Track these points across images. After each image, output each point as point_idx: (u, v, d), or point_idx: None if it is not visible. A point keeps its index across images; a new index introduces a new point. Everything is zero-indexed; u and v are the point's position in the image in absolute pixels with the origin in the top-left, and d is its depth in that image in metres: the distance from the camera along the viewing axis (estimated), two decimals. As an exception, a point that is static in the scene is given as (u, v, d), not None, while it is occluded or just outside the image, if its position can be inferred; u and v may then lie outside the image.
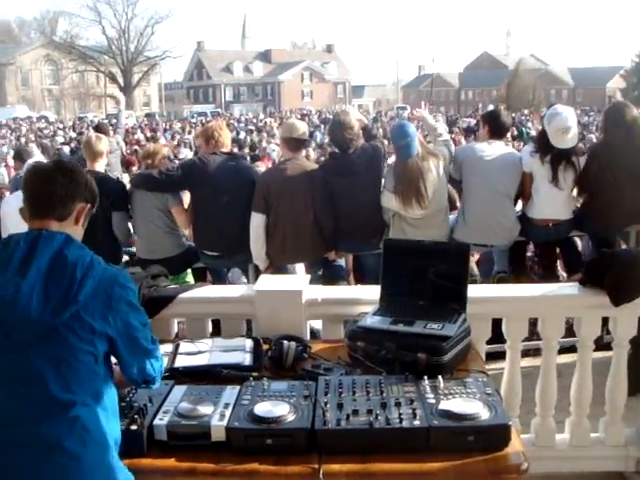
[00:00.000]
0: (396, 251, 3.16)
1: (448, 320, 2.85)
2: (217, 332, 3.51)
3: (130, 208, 5.31)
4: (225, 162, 5.06)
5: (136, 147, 17.81)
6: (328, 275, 5.27)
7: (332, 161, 5.13)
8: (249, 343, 3.03)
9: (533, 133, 27.32)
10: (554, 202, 4.91)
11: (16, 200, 5.30)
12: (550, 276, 5.23)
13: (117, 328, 2.00)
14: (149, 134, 25.66)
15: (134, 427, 2.21)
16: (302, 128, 5.15)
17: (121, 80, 66.64)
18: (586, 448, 3.59)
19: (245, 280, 5.59)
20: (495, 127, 5.16)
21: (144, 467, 2.15)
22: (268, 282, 3.39)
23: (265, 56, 78.30)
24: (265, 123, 32.23)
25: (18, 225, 5.00)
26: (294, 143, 5.05)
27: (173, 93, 75.68)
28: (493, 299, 3.39)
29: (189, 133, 25.89)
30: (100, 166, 5.45)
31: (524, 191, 5.03)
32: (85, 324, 1.92)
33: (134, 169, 11.84)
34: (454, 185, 5.12)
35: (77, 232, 2.13)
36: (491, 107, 48.78)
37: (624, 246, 5.07)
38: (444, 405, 2.32)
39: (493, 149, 5.04)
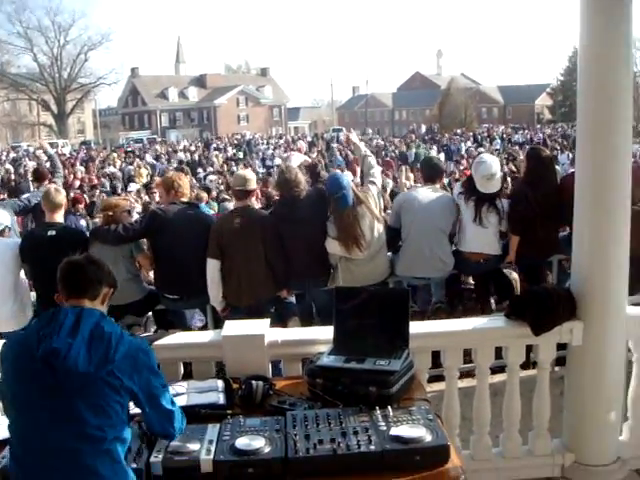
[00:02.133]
0: (346, 297, 3.61)
1: (394, 356, 3.31)
2: (188, 374, 3.90)
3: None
4: (184, 211, 5.47)
5: (78, 181, 17.84)
6: (281, 312, 5.70)
7: (281, 208, 5.57)
8: (220, 384, 3.43)
9: (463, 151, 28.50)
10: (481, 239, 5.50)
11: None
12: (484, 305, 5.78)
13: (140, 385, 2.50)
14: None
15: (135, 465, 2.59)
16: (251, 178, 5.58)
17: (55, 108, 65.69)
18: (518, 459, 4.10)
19: (202, 318, 5.98)
20: (429, 172, 5.76)
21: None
22: (233, 327, 3.79)
23: (200, 81, 78.35)
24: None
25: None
26: (244, 193, 5.49)
27: (108, 120, 75.02)
28: (432, 334, 3.88)
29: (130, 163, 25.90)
30: (60, 217, 5.75)
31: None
32: (117, 379, 2.42)
33: (80, 207, 12.05)
34: (391, 233, 5.59)
35: (103, 310, 2.66)
36: (424, 128, 50.11)
37: (550, 275, 5.71)
38: (394, 431, 2.77)
39: (428, 192, 5.63)
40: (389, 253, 5.62)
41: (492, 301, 6.05)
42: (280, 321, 5.59)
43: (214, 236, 5.35)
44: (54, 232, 5.55)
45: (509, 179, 10.16)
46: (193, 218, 5.54)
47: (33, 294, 5.83)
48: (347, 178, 5.44)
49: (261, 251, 5.33)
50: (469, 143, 34.50)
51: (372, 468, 2.65)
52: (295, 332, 3.95)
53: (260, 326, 3.80)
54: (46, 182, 8.94)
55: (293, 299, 5.80)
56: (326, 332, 3.66)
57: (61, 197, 5.77)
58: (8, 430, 2.51)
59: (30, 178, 16.72)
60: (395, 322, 3.45)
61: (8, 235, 5.92)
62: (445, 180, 17.97)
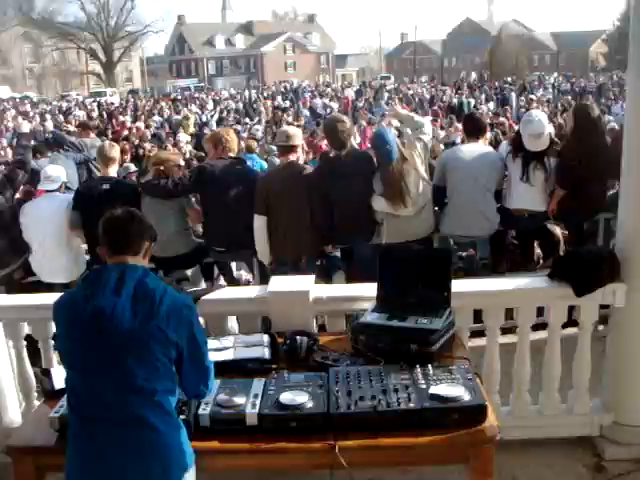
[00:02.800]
0: (390, 256, 3.68)
1: (435, 315, 3.38)
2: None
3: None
4: (231, 166, 5.58)
5: (126, 132, 18.00)
6: (326, 265, 5.80)
7: (326, 164, 5.61)
8: (266, 338, 3.54)
9: (514, 103, 27.90)
10: (527, 196, 5.49)
11: (35, 209, 5.77)
12: (528, 262, 5.79)
13: (184, 340, 2.56)
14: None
15: (183, 417, 2.73)
16: (295, 134, 5.62)
17: (102, 56, 66.20)
18: (557, 416, 4.16)
19: (248, 276, 6.13)
20: (472, 128, 5.73)
21: (195, 449, 2.65)
22: (279, 283, 3.90)
23: (247, 28, 77.96)
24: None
25: (36, 230, 5.46)
26: (287, 149, 5.54)
27: (155, 68, 75.29)
28: (474, 293, 3.92)
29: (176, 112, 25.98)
30: (113, 171, 5.93)
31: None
32: (162, 333, 2.49)
33: (126, 158, 12.23)
34: (436, 191, 5.59)
35: (145, 264, 2.71)
36: (474, 75, 49.04)
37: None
38: (433, 390, 2.85)
39: (472, 148, 5.62)
40: (435, 208, 5.64)
41: (536, 259, 6.04)
42: (325, 275, 5.70)
43: (260, 193, 5.44)
44: (108, 186, 5.74)
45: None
46: (240, 173, 5.64)
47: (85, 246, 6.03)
48: (392, 134, 5.42)
49: (306, 207, 5.39)
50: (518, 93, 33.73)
51: (410, 425, 2.74)
52: (339, 289, 4.03)
53: (305, 282, 3.88)
54: (92, 134, 9.16)
55: (338, 253, 5.87)
56: (370, 289, 3.73)
57: (115, 151, 5.96)
58: (65, 382, 2.65)
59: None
60: (437, 281, 3.50)
61: (62, 191, 6.11)
62: (492, 133, 17.81)
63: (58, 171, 6.14)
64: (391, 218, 5.36)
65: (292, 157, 5.51)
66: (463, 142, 6.25)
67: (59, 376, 3.31)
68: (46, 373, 3.41)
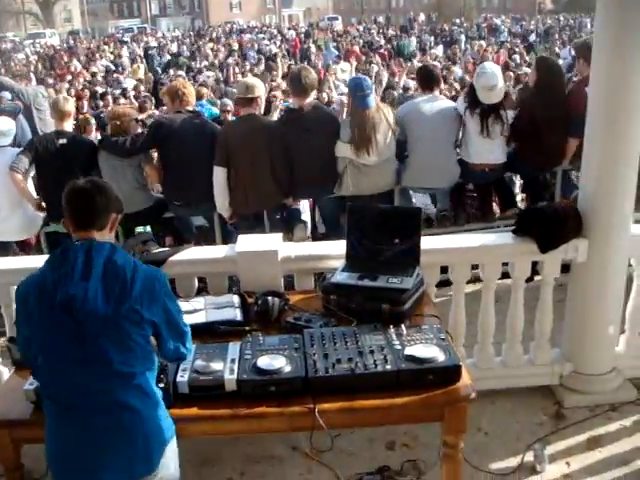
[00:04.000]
0: (358, 214, 3.66)
1: (405, 274, 3.40)
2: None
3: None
4: (189, 120, 5.46)
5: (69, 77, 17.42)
6: (287, 218, 5.78)
7: (289, 115, 5.54)
8: (236, 299, 3.53)
9: (462, 46, 27.83)
10: (488, 149, 5.52)
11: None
12: (487, 213, 5.86)
13: (159, 315, 2.49)
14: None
15: (162, 385, 2.70)
16: (255, 86, 5.50)
17: (39, -6, 63.45)
18: (519, 367, 4.28)
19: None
20: (427, 79, 5.71)
21: (174, 416, 2.64)
22: (247, 243, 3.86)
23: (191, -34, 75.48)
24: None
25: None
26: (248, 101, 5.43)
27: (95, 7, 72.32)
28: (441, 250, 3.95)
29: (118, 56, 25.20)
30: (68, 125, 5.73)
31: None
32: (137, 314, 2.40)
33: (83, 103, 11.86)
34: (397, 146, 5.57)
35: (111, 237, 2.62)
36: (422, 16, 48.65)
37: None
38: (408, 351, 2.88)
39: (430, 102, 5.59)
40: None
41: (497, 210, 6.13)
42: (286, 228, 5.68)
43: (220, 144, 5.35)
44: (65, 140, 5.56)
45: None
46: (199, 126, 5.52)
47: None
48: (370, 82, 5.43)
49: (267, 159, 5.34)
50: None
51: (387, 386, 2.77)
52: (308, 247, 4.02)
53: (273, 241, 3.86)
54: (32, 83, 8.79)
55: (299, 206, 5.85)
56: (338, 247, 3.75)
57: (70, 105, 5.76)
58: (35, 370, 2.55)
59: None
60: (407, 240, 3.51)
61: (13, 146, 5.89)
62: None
63: (9, 124, 5.91)
64: (354, 169, 5.35)
65: (253, 109, 5.41)
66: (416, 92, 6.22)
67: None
68: (13, 341, 3.33)
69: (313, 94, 5.48)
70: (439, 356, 2.85)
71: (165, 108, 6.92)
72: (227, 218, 5.57)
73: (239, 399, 2.74)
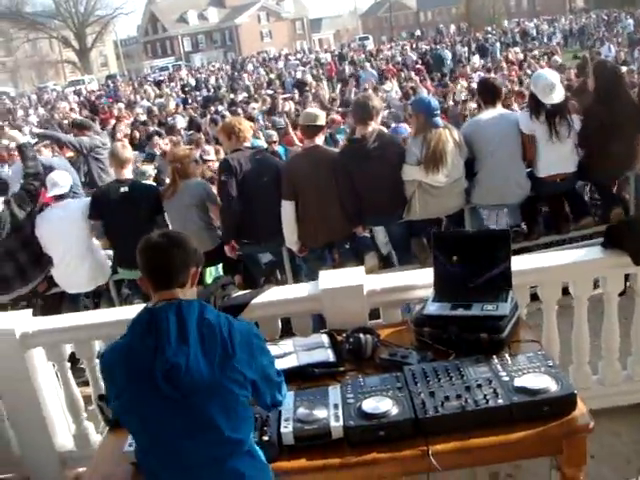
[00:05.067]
0: (444, 241, 3.54)
1: (499, 299, 3.27)
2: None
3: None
4: (252, 157, 5.44)
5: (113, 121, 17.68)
6: (356, 247, 5.69)
7: (350, 145, 5.48)
8: (325, 339, 3.44)
9: (498, 54, 27.56)
10: (558, 157, 5.36)
11: (50, 220, 5.61)
12: (561, 224, 5.68)
13: (258, 372, 2.39)
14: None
15: (266, 438, 2.62)
16: (319, 115, 5.47)
17: (75, 43, 64.99)
18: (618, 385, 4.09)
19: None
20: (488, 95, 5.58)
21: (281, 469, 2.56)
22: (330, 279, 3.77)
23: (218, 1, 76.64)
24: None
25: (56, 242, 5.31)
26: (313, 130, 5.39)
27: (130, 50, 74.23)
28: (530, 270, 3.79)
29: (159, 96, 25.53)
30: (129, 172, 5.75)
31: (528, 153, 5.45)
32: (239, 373, 2.30)
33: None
34: (467, 165, 5.46)
35: (193, 292, 2.49)
36: (453, 28, 48.44)
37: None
38: (518, 382, 2.74)
39: (491, 115, 5.47)
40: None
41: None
42: (356, 256, 5.60)
43: (287, 177, 5.31)
44: (126, 189, 5.58)
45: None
46: (262, 162, 5.50)
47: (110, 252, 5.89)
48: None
49: (334, 191, 5.28)
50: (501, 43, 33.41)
51: (501, 421, 2.65)
52: (393, 278, 3.90)
53: (357, 275, 3.76)
54: (91, 133, 8.90)
55: (367, 233, 5.76)
56: (424, 276, 3.64)
57: (128, 152, 5.79)
58: (136, 446, 2.48)
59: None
60: (497, 263, 3.38)
61: (72, 196, 5.94)
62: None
63: (64, 176, 5.96)
64: (422, 192, 5.24)
65: (318, 139, 5.37)
66: (480, 108, 6.08)
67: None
68: (104, 399, 3.28)
69: (378, 120, 5.40)
70: (552, 385, 2.72)
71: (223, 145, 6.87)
72: (296, 252, 5.50)
73: (346, 446, 2.65)
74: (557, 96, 5.36)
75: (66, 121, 20.09)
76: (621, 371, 4.11)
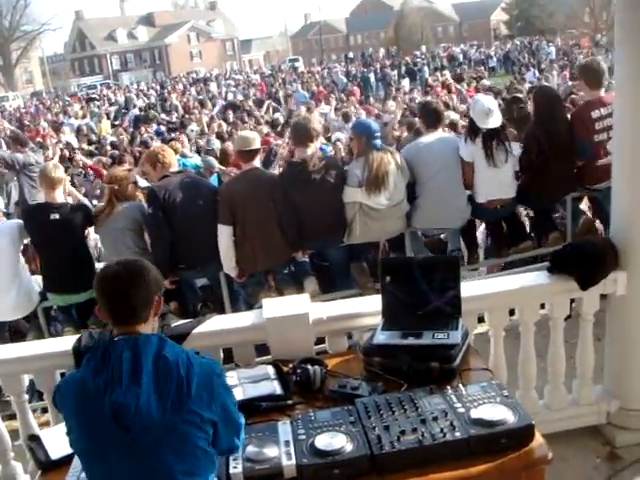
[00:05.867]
0: (393, 268, 3.46)
1: (450, 327, 3.20)
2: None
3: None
4: (182, 182, 5.29)
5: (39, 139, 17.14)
6: (295, 272, 5.57)
7: (291, 169, 5.37)
8: (271, 370, 3.29)
9: (427, 76, 28.12)
10: (497, 183, 5.38)
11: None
12: (500, 248, 5.70)
13: (218, 412, 2.23)
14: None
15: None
16: (255, 138, 5.35)
17: (-1, 59, 63.35)
18: (564, 409, 4.08)
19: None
20: (429, 118, 5.58)
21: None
22: (275, 307, 3.62)
23: (148, 20, 75.85)
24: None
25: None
26: (249, 154, 5.27)
27: (57, 67, 72.61)
28: (477, 297, 3.72)
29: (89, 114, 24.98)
30: (60, 195, 5.47)
31: (466, 179, 5.46)
32: (197, 416, 2.15)
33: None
34: (408, 188, 5.43)
35: (155, 321, 2.36)
36: (382, 51, 49.26)
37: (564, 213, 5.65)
38: (475, 414, 2.66)
39: (432, 139, 5.48)
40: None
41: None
42: (295, 281, 5.48)
43: (224, 201, 5.16)
44: (57, 216, 5.29)
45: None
46: (193, 185, 5.36)
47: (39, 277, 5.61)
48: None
49: (274, 214, 5.15)
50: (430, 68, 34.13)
51: (458, 455, 2.56)
52: (339, 306, 3.78)
53: (302, 303, 3.63)
54: (26, 149, 8.59)
55: (306, 258, 5.65)
56: (371, 304, 3.56)
57: (60, 172, 5.50)
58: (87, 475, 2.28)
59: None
60: (446, 290, 3.32)
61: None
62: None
63: None
64: (362, 215, 5.17)
65: (255, 162, 5.24)
66: (410, 132, 6.11)
67: (51, 441, 2.98)
68: (35, 439, 3.06)
69: (318, 143, 5.32)
70: (509, 416, 2.65)
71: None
72: (235, 277, 5.34)
73: (300, 486, 2.51)
74: (494, 121, 5.39)
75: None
76: (567, 395, 4.10)
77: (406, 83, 27.46)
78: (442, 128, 5.85)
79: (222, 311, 5.41)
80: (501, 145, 5.38)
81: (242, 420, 2.44)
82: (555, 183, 5.44)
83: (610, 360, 4.13)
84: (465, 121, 8.83)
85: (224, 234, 5.15)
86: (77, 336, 3.71)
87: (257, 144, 5.29)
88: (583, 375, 4.07)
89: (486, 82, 19.32)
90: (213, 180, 8.68)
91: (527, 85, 20.17)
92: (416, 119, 8.32)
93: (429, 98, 13.96)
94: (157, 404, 2.09)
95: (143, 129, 17.90)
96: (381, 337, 3.23)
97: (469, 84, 20.69)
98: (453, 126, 7.63)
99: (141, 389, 2.09)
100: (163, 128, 17.55)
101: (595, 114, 5.37)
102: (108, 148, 13.11)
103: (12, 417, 4.34)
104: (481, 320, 4.01)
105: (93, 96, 34.52)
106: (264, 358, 3.70)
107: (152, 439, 2.10)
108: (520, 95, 8.06)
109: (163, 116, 22.18)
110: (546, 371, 4.09)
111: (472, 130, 5.44)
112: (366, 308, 3.61)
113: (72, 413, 2.18)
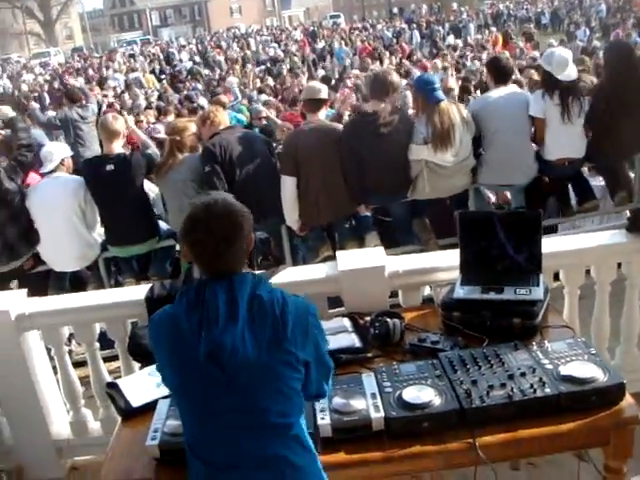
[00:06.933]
0: (471, 222, 3.38)
1: (531, 283, 3.14)
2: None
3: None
4: (235, 136, 5.29)
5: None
6: (356, 227, 5.52)
7: (360, 120, 5.28)
8: (348, 323, 3.28)
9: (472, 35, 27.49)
10: (568, 141, 5.25)
11: (39, 195, 5.34)
12: (566, 208, 5.58)
13: (312, 353, 2.19)
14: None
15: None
16: (322, 89, 5.27)
17: (39, 14, 63.12)
18: (636, 371, 3.99)
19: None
20: (498, 73, 5.41)
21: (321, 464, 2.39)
22: (349, 260, 3.59)
23: (188, -26, 75.22)
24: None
25: (46, 216, 5.05)
26: (315, 104, 5.21)
27: (96, 22, 72.33)
28: (554, 254, 3.62)
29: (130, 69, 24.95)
30: (118, 147, 5.47)
31: (537, 136, 5.32)
32: (292, 355, 2.11)
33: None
34: (475, 143, 5.32)
35: (246, 259, 2.25)
36: (425, 7, 48.12)
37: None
38: (564, 370, 2.61)
39: (502, 93, 5.33)
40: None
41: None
42: (356, 236, 5.44)
43: (288, 152, 5.12)
44: (112, 167, 5.29)
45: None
46: (249, 140, 5.33)
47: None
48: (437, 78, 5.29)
49: (338, 167, 5.10)
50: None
51: (547, 412, 2.52)
52: (415, 260, 3.73)
53: (378, 256, 3.60)
54: (76, 104, 8.61)
55: (369, 213, 5.59)
56: (448, 258, 3.52)
57: (119, 124, 5.46)
58: (181, 417, 2.26)
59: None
60: (527, 246, 3.24)
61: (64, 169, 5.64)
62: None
63: (54, 149, 5.67)
64: (430, 172, 5.08)
65: (321, 113, 5.18)
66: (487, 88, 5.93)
67: (130, 388, 3.01)
68: (114, 387, 3.08)
69: (394, 98, 5.22)
70: (599, 374, 2.59)
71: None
72: (297, 230, 5.32)
73: (386, 439, 2.48)
74: (572, 72, 5.27)
75: (35, 94, 19.60)
76: (639, 356, 4.02)
77: (451, 40, 26.84)
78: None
79: (280, 265, 5.39)
80: (577, 100, 5.23)
81: (332, 364, 2.40)
82: (624, 141, 5.27)
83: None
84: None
85: (288, 185, 5.12)
86: (149, 285, 3.74)
87: (325, 94, 5.23)
88: (657, 337, 3.99)
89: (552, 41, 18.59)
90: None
91: (579, 43, 19.68)
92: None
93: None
94: (252, 344, 2.05)
95: (187, 84, 17.87)
96: (461, 292, 3.18)
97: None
98: (518, 83, 7.40)
99: (237, 328, 2.05)
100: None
101: None
102: (153, 100, 13.06)
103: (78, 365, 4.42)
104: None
105: (132, 53, 34.33)
106: (337, 310, 3.68)
107: (247, 379, 2.07)
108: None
109: (207, 72, 22.07)
110: (618, 332, 4.01)
111: (550, 86, 5.27)
112: (442, 262, 3.57)
113: (165, 351, 2.16)
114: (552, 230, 5.63)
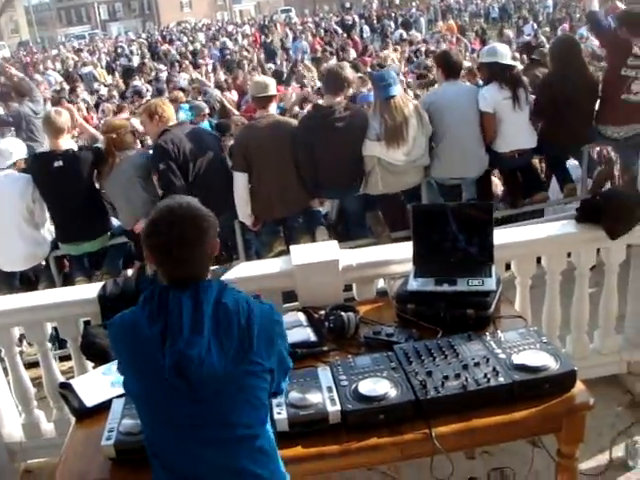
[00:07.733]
0: (424, 215, 3.42)
1: (483, 274, 3.18)
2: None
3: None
4: (185, 132, 5.20)
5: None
6: (308, 221, 5.51)
7: (315, 114, 5.27)
8: (302, 317, 3.27)
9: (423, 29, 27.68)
10: (519, 131, 5.32)
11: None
12: (516, 199, 5.66)
13: (275, 361, 2.15)
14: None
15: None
16: (269, 84, 5.24)
17: (-17, 8, 61.74)
18: (586, 358, 4.08)
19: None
20: (449, 68, 5.46)
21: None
22: (303, 254, 3.58)
23: (136, -33, 74.14)
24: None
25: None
26: (263, 101, 5.17)
27: (43, 16, 70.77)
28: (505, 245, 3.65)
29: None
30: (64, 142, 5.34)
31: (487, 132, 5.37)
32: (258, 366, 2.07)
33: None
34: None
35: (211, 267, 2.22)
36: (375, 1, 48.14)
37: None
38: (517, 360, 2.65)
39: (452, 87, 5.37)
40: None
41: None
42: (308, 231, 5.44)
43: (239, 148, 5.09)
44: (61, 163, 5.18)
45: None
46: (197, 136, 5.25)
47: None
48: (395, 74, 5.34)
49: (291, 162, 5.08)
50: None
51: (501, 401, 2.55)
52: (369, 253, 3.74)
53: (331, 250, 3.59)
54: (26, 99, 8.43)
55: (320, 208, 5.60)
56: (401, 251, 3.53)
57: (64, 118, 5.32)
58: (141, 422, 2.21)
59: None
60: (479, 237, 3.28)
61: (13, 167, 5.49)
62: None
63: (9, 145, 5.53)
64: (382, 169, 5.10)
65: (271, 108, 5.14)
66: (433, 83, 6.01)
67: (84, 388, 2.95)
68: (67, 387, 3.01)
69: (348, 92, 5.22)
70: (551, 362, 2.64)
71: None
72: (250, 226, 5.29)
73: (343, 432, 2.49)
74: (510, 57, 5.48)
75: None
76: (589, 344, 4.11)
77: (403, 34, 26.95)
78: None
79: (232, 261, 5.36)
80: (522, 87, 5.34)
81: (292, 365, 2.37)
82: (570, 132, 5.37)
83: (632, 310, 4.13)
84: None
85: (239, 181, 5.09)
86: (101, 284, 3.68)
87: (273, 90, 5.19)
88: (606, 325, 4.09)
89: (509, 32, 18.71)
90: (205, 125, 8.51)
91: (526, 37, 19.95)
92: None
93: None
94: (219, 355, 2.00)
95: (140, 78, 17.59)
96: (415, 284, 3.20)
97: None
98: (472, 74, 7.46)
99: (202, 339, 1.99)
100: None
101: (636, 50, 5.25)
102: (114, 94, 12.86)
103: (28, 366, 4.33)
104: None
105: (80, 48, 33.70)
106: (291, 304, 3.67)
107: (214, 391, 2.02)
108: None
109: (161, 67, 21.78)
110: (568, 321, 4.09)
111: (501, 72, 5.32)
112: (396, 255, 3.58)
113: (126, 358, 2.11)
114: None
